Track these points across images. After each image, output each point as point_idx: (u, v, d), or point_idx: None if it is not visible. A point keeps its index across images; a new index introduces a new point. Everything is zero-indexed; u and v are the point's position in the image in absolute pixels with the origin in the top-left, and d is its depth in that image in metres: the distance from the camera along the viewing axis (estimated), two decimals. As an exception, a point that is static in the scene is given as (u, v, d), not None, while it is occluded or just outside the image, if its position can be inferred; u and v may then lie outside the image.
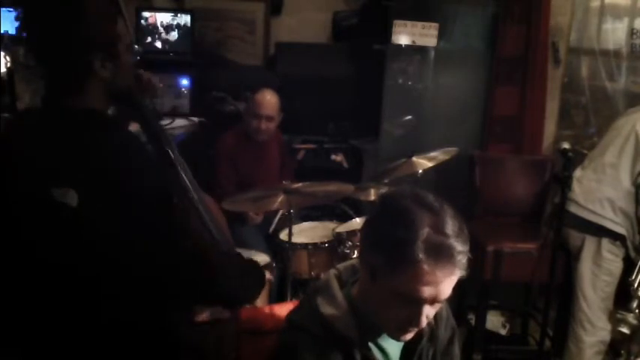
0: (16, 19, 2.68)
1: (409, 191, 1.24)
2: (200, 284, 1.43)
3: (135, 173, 1.33)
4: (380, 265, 1.19)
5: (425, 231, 1.14)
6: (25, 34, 1.39)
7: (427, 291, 1.16)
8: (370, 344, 1.31)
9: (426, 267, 1.13)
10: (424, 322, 1.21)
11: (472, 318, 3.25)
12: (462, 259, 1.16)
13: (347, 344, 1.26)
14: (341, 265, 1.42)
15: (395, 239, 1.16)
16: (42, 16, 1.36)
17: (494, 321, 3.50)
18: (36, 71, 1.41)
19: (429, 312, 1.21)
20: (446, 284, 1.17)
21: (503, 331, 3.51)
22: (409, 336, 1.27)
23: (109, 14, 1.40)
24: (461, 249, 1.16)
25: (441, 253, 1.14)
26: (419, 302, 1.18)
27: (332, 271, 1.38)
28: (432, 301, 1.19)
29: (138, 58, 1.55)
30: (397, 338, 1.29)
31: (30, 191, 1.34)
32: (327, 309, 1.28)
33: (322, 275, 1.42)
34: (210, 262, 1.43)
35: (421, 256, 1.13)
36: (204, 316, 1.84)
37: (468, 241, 1.18)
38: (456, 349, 1.46)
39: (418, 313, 1.19)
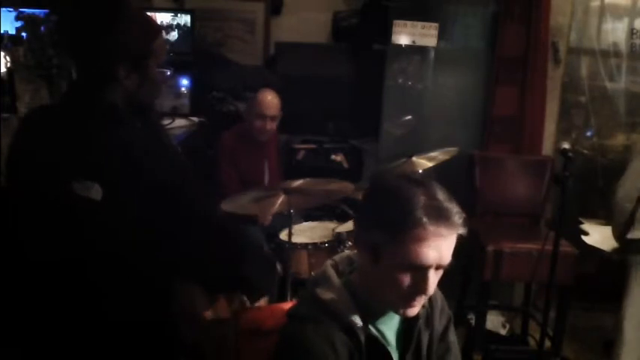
0: (16, 18, 2.68)
1: (396, 172, 1.28)
2: (229, 263, 1.44)
3: (157, 161, 1.34)
4: (383, 240, 1.24)
5: (421, 199, 1.22)
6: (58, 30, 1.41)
7: (432, 254, 1.22)
8: (370, 327, 1.34)
9: (430, 228, 1.20)
10: (431, 288, 1.26)
11: (472, 318, 3.24)
12: (459, 219, 1.23)
13: (350, 326, 1.29)
14: (337, 256, 1.45)
15: (395, 212, 1.22)
16: (77, 19, 1.38)
17: (494, 321, 3.50)
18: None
19: (433, 279, 1.26)
20: (447, 246, 1.24)
21: (503, 331, 3.51)
22: (416, 310, 1.30)
23: (147, 30, 1.42)
24: (456, 210, 1.23)
25: (441, 215, 1.21)
26: (425, 268, 1.23)
27: (328, 262, 1.42)
28: (437, 266, 1.24)
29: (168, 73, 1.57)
30: (404, 312, 1.31)
31: (48, 186, 1.35)
32: (326, 295, 1.32)
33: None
34: (236, 242, 1.45)
35: (424, 219, 1.20)
36: (223, 311, 1.85)
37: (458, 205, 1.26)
38: (452, 336, 1.50)
39: (424, 280, 1.24)
